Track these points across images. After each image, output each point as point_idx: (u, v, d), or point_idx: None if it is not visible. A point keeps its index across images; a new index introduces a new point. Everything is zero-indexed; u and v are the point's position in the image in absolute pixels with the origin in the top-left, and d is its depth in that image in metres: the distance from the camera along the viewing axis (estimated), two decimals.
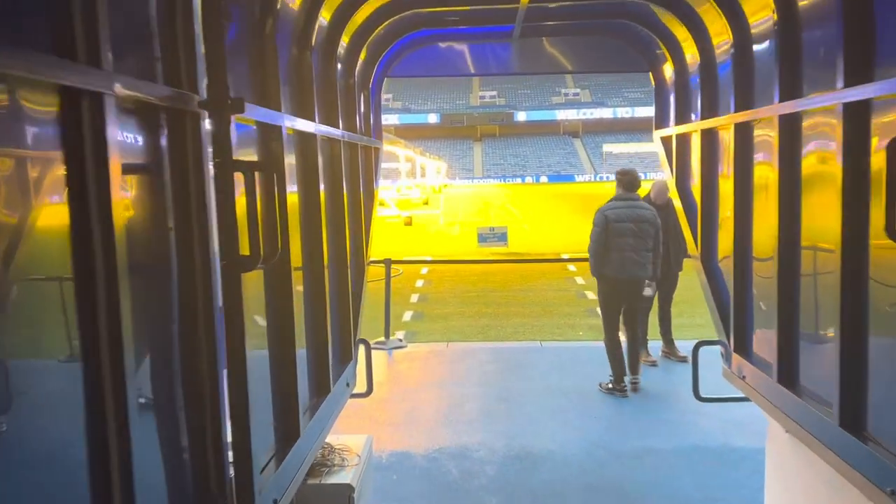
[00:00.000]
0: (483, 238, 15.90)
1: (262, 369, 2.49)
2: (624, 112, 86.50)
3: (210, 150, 1.97)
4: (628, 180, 6.22)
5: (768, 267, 3.21)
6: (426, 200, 37.61)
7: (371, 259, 4.81)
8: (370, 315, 8.52)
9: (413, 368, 7.38)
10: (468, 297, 10.96)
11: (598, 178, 76.69)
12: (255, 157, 2.39)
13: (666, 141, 4.93)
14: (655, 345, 7.17)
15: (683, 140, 4.58)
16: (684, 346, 7.13)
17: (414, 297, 11.02)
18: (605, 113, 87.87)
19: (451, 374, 6.93)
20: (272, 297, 2.52)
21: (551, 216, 26.85)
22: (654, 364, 7.03)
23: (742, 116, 3.41)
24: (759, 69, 3.38)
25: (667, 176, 5.01)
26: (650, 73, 5.15)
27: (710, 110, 3.99)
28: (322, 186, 3.26)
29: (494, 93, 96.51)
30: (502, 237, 15.85)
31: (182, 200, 1.85)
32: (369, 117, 4.76)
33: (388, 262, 8.32)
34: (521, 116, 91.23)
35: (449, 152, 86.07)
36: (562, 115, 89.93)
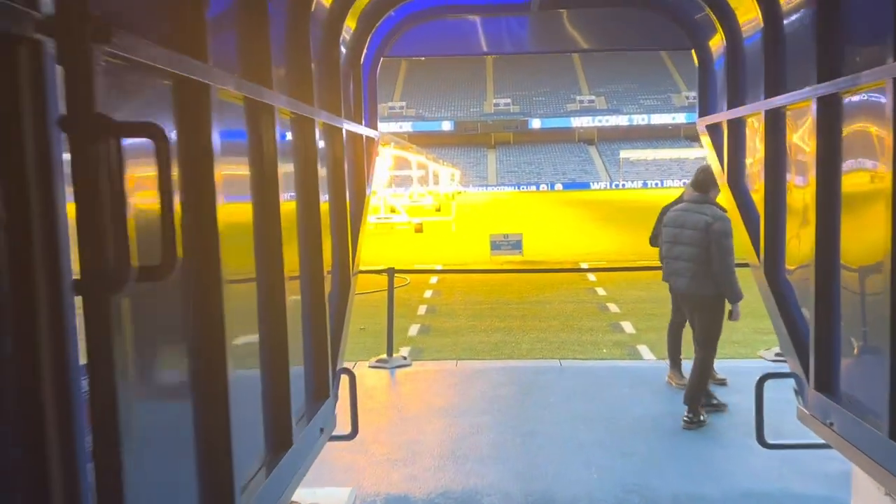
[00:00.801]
0: (496, 246, 15.09)
1: (183, 428, 1.74)
2: (640, 119, 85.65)
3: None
4: (696, 179, 5.27)
5: (871, 282, 2.42)
6: (438, 207, 36.87)
7: (358, 269, 4.04)
8: (373, 330, 7.74)
9: (417, 391, 6.60)
10: (480, 310, 10.17)
11: (614, 186, 75.78)
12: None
13: (714, 130, 4.14)
14: (689, 364, 6.37)
15: (738, 127, 3.78)
16: (721, 365, 6.34)
17: (421, 309, 10.25)
18: (620, 120, 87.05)
19: (460, 399, 6.15)
20: (189, 327, 1.77)
21: (568, 224, 26.02)
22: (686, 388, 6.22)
23: (829, 89, 2.62)
24: (855, 27, 2.60)
25: (715, 170, 4.22)
26: (693, 51, 4.37)
27: (776, 87, 3.20)
28: (284, 177, 2.52)
29: (508, 100, 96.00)
30: (517, 245, 15.04)
31: (11, 180, 1.10)
32: (361, 100, 4.00)
33: (390, 272, 7.56)
34: (536, 124, 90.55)
35: (463, 160, 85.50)
36: (577, 122, 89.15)
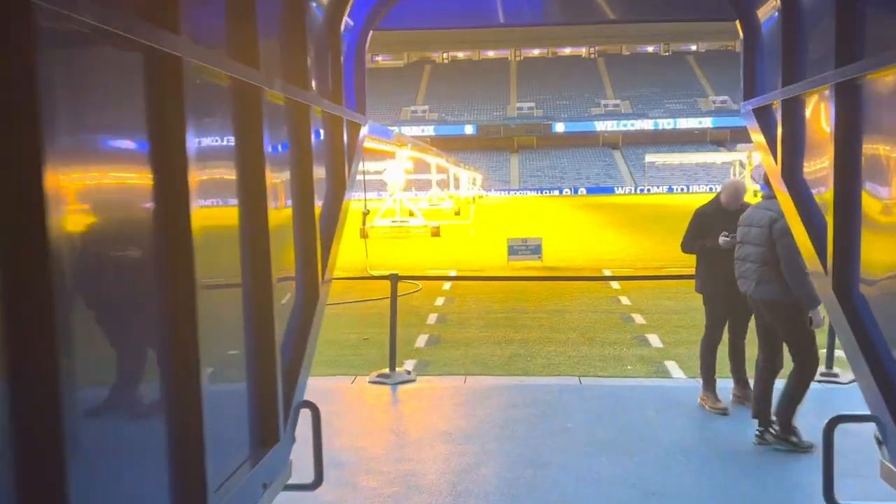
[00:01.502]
0: (514, 251, 14.39)
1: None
2: (666, 123, 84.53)
3: None
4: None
5: None
6: (458, 211, 36.24)
7: (332, 276, 3.39)
8: (378, 340, 7.08)
9: (419, 412, 5.96)
10: (494, 319, 9.50)
11: (639, 191, 74.74)
12: None
13: (764, 114, 3.45)
14: (724, 384, 5.68)
15: (796, 109, 3.09)
16: None
17: (431, 318, 9.60)
18: (645, 124, 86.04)
19: (467, 422, 5.50)
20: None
21: (590, 229, 25.24)
22: (724, 412, 5.52)
23: None
24: None
25: (766, 164, 3.53)
26: (737, 22, 3.68)
27: (851, 53, 2.52)
28: (209, 159, 1.90)
29: (532, 104, 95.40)
30: (536, 250, 14.33)
31: None
32: (341, 76, 3.36)
33: (393, 278, 6.93)
34: (560, 128, 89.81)
35: (485, 164, 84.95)
36: (601, 126, 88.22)
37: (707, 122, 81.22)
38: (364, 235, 22.46)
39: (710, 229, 5.46)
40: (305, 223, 2.84)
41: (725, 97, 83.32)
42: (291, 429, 2.63)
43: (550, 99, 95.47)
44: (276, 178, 2.51)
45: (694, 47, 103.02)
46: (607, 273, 13.44)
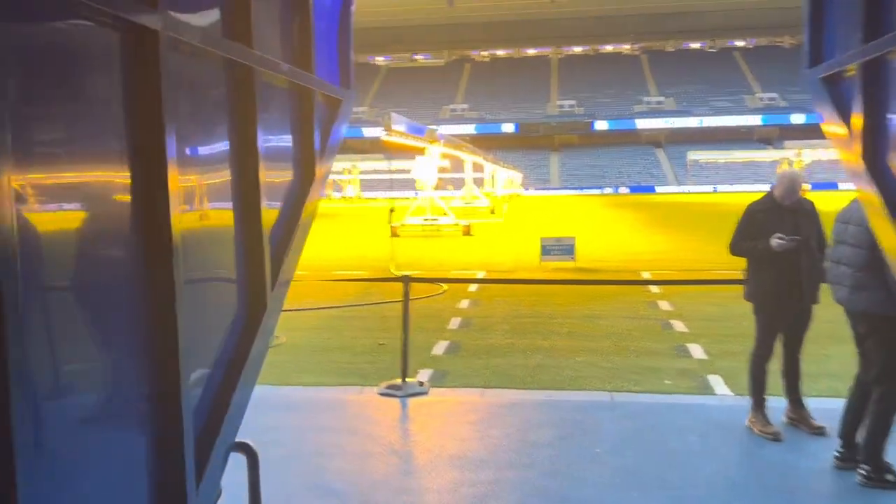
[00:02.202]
0: (547, 251, 13.66)
1: None
2: (711, 121, 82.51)
3: None
4: None
5: None
6: (492, 209, 35.50)
7: (287, 282, 2.78)
8: (395, 346, 6.49)
9: (429, 430, 5.35)
10: (521, 324, 8.83)
11: (681, 190, 73.05)
12: None
13: (837, 83, 2.75)
14: (776, 404, 4.98)
15: (882, 73, 2.39)
16: (817, 406, 4.93)
17: (454, 322, 8.96)
18: (690, 122, 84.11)
19: (480, 444, 4.88)
20: None
21: (629, 228, 24.32)
22: (775, 438, 4.81)
23: None
24: None
25: (839, 147, 2.82)
26: None
27: None
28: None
29: (573, 102, 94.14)
30: (568, 250, 13.58)
31: None
32: (309, 37, 2.76)
33: (405, 281, 6.33)
34: (601, 125, 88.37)
35: (525, 162, 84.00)
36: (643, 123, 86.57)
37: (755, 120, 78.94)
38: (394, 234, 22.05)
39: (763, 229, 4.75)
40: (248, 217, 2.24)
41: (774, 94, 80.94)
42: (211, 481, 2.02)
43: (592, 96, 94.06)
44: (196, 157, 1.92)
45: (741, 43, 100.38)
46: (646, 276, 12.64)
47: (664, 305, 9.77)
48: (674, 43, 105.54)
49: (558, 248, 13.50)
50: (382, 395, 6.16)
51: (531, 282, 7.04)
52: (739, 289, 5.08)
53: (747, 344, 5.14)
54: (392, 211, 13.19)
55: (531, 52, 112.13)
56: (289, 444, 4.88)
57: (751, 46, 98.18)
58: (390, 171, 68.67)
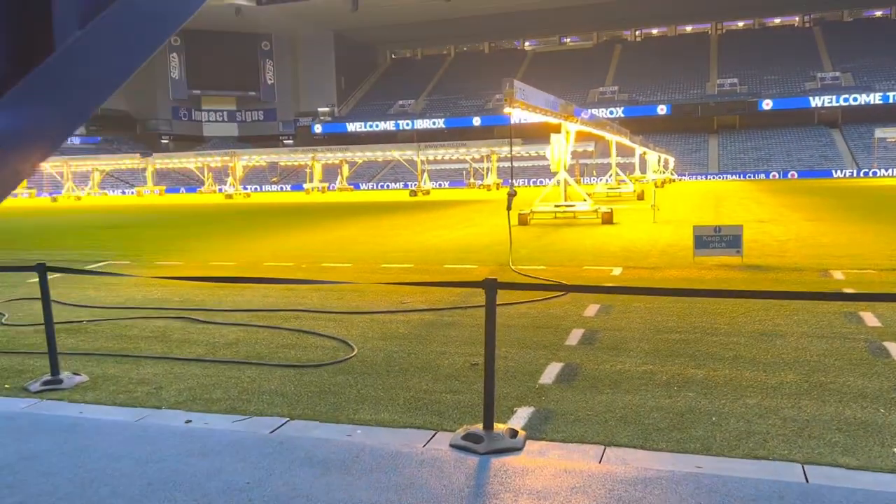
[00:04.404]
0: (703, 243, 11.14)
1: None
2: None
3: None
4: None
5: None
6: (640, 195, 32.45)
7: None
8: (497, 367, 4.58)
9: None
10: (664, 343, 6.63)
11: (863, 174, 65.28)
12: None
13: None
14: None
15: None
16: None
17: (573, 336, 6.90)
18: (872, 98, 75.18)
19: None
20: None
21: (808, 218, 20.77)
22: None
23: None
24: None
25: None
26: None
27: None
28: None
29: (735, 80, 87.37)
30: (733, 242, 10.99)
31: None
32: None
33: (489, 287, 4.42)
34: (767, 105, 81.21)
35: (680, 146, 78.79)
36: (816, 101, 78.42)
37: None
38: (523, 222, 20.03)
39: None
40: None
41: None
42: None
43: (756, 74, 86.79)
44: None
45: None
46: (838, 276, 9.84)
47: (870, 319, 7.16)
48: (853, 12, 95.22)
49: (718, 239, 10.95)
50: (455, 447, 4.33)
51: (681, 292, 4.92)
52: None
53: None
54: (512, 195, 11.22)
55: (688, 28, 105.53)
56: None
57: None
58: (531, 158, 66.40)
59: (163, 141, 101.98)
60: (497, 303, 4.55)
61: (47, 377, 5.91)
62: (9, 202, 59.67)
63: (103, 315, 8.61)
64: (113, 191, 77.26)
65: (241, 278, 8.72)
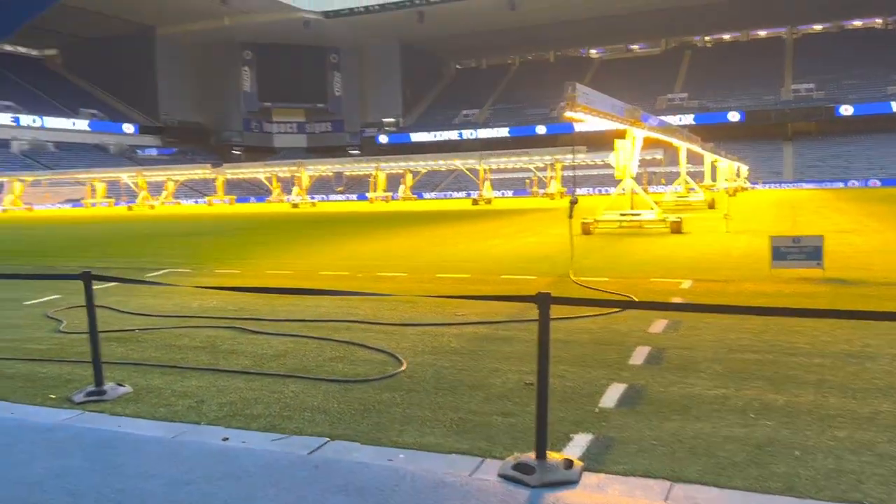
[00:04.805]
0: (781, 254, 10.40)
1: None
2: None
3: None
4: None
5: None
6: (710, 203, 31.25)
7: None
8: (552, 386, 4.13)
9: None
10: (740, 364, 6.06)
11: None
12: None
13: None
14: None
15: None
16: None
17: (638, 355, 6.40)
18: None
19: None
20: None
21: (892, 227, 19.49)
22: None
23: None
24: None
25: None
26: None
27: None
28: None
29: (811, 85, 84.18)
30: (814, 254, 10.23)
31: None
32: None
33: (542, 300, 4.03)
34: (846, 111, 77.88)
35: (753, 153, 76.24)
36: None
37: None
38: (586, 231, 19.42)
39: None
40: None
41: None
42: None
43: (835, 78, 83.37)
44: None
45: None
46: None
47: None
48: None
49: (798, 251, 10.21)
50: (504, 478, 3.94)
51: (757, 311, 4.43)
52: None
53: None
54: (574, 203, 10.76)
55: (762, 33, 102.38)
56: None
57: None
58: (595, 166, 65.27)
59: (234, 152, 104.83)
60: (554, 317, 4.16)
61: (91, 388, 5.80)
62: (88, 210, 62.17)
63: (156, 323, 8.55)
64: (186, 200, 79.70)
65: (283, 289, 8.54)
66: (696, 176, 50.14)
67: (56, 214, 55.02)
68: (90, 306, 5.78)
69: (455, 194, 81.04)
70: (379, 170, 63.02)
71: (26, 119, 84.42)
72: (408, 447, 4.45)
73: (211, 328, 8.14)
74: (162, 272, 13.62)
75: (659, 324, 7.47)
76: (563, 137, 79.96)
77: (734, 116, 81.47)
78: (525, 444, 4.40)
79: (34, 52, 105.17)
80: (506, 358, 6.40)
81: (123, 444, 4.66)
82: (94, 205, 68.63)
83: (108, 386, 5.83)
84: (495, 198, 61.95)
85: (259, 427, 4.91)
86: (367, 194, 68.78)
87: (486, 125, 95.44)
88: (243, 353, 6.96)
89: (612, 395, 5.28)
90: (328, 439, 4.62)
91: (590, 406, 5.07)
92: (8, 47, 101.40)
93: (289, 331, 7.82)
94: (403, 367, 6.19)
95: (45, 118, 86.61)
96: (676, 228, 18.67)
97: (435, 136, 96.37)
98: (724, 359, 6.15)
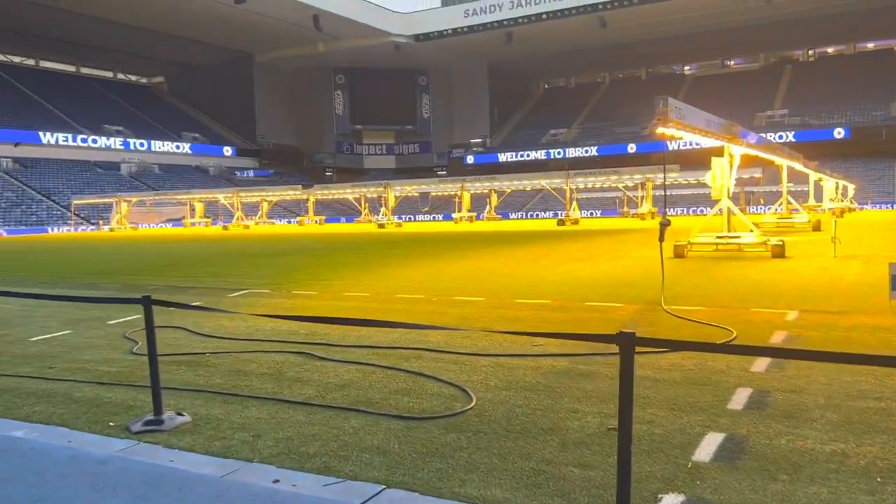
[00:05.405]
0: None
1: None
2: None
3: None
4: None
5: None
6: (816, 226, 29.29)
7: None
8: (637, 433, 3.54)
9: None
10: (860, 413, 5.25)
11: None
12: None
13: None
14: None
15: None
16: None
17: (738, 398, 5.66)
18: None
19: None
20: None
21: None
22: None
23: None
24: None
25: None
26: None
27: None
28: None
29: None
30: None
31: None
32: None
33: (625, 341, 3.48)
34: None
35: (861, 172, 71.99)
36: None
37: None
38: (679, 255, 18.38)
39: None
40: None
41: None
42: None
43: None
44: None
45: None
46: None
47: None
48: None
49: None
50: None
51: (874, 360, 3.71)
52: None
53: None
54: (665, 224, 10.03)
55: (870, 45, 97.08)
56: None
57: None
58: (689, 185, 62.96)
59: (327, 173, 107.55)
60: (641, 350, 3.60)
61: (150, 416, 5.60)
62: (187, 229, 64.91)
63: (228, 347, 8.41)
64: (280, 220, 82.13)
65: (343, 320, 8.22)
66: (798, 196, 47.48)
67: (156, 233, 57.63)
68: (149, 330, 5.60)
69: (541, 214, 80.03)
70: (464, 190, 62.95)
71: (134, 143, 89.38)
72: (470, 500, 3.96)
73: (280, 353, 7.91)
74: (242, 292, 13.66)
75: (762, 361, 6.68)
76: (654, 156, 77.78)
77: (839, 133, 77.16)
78: (605, 502, 3.83)
79: (143, 80, 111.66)
80: (586, 397, 5.81)
81: (170, 483, 4.38)
82: (192, 224, 71.71)
83: (167, 415, 5.61)
84: (583, 218, 60.66)
85: (313, 468, 4.53)
86: (453, 214, 68.83)
87: (574, 144, 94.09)
88: (308, 381, 6.66)
89: (707, 447, 4.62)
90: (384, 487, 4.19)
91: (682, 459, 4.43)
92: (120, 75, 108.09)
93: (357, 358, 7.48)
94: (473, 404, 5.70)
95: (151, 142, 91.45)
96: (779, 252, 17.39)
97: (522, 156, 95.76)
98: (841, 406, 5.35)
